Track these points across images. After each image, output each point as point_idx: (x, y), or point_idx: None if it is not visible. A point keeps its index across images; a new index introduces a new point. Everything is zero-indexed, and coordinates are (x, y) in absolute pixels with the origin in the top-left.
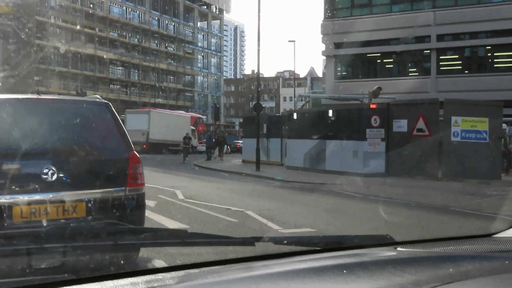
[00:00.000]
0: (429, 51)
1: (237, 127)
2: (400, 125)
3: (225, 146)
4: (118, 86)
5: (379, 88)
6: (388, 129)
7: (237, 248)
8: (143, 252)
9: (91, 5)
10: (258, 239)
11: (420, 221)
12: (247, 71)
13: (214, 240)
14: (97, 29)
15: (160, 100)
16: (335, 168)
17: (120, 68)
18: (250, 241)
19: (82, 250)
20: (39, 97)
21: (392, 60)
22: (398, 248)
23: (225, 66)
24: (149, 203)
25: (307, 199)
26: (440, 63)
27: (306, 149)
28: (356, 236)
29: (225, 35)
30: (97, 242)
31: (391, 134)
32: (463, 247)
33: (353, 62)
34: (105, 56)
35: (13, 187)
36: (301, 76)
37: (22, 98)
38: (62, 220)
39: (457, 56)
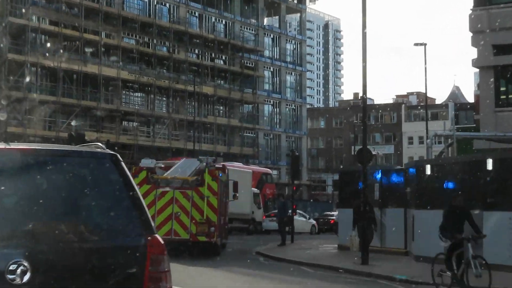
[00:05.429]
0: None
1: (329, 189)
2: None
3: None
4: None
5: None
6: None
7: None
8: None
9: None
10: None
11: None
12: (346, 94)
13: None
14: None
15: (204, 146)
16: (501, 260)
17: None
18: None
19: None
20: (8, 147)
21: None
22: None
23: (309, 87)
24: None
25: None
26: None
27: None
28: None
29: (309, 37)
30: None
31: None
32: None
33: None
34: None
35: None
36: (437, 102)
37: None
38: None
39: None
